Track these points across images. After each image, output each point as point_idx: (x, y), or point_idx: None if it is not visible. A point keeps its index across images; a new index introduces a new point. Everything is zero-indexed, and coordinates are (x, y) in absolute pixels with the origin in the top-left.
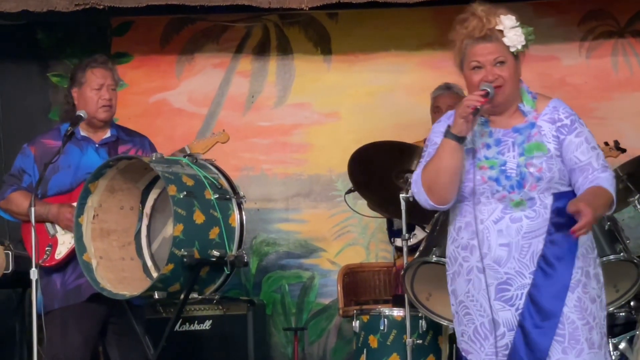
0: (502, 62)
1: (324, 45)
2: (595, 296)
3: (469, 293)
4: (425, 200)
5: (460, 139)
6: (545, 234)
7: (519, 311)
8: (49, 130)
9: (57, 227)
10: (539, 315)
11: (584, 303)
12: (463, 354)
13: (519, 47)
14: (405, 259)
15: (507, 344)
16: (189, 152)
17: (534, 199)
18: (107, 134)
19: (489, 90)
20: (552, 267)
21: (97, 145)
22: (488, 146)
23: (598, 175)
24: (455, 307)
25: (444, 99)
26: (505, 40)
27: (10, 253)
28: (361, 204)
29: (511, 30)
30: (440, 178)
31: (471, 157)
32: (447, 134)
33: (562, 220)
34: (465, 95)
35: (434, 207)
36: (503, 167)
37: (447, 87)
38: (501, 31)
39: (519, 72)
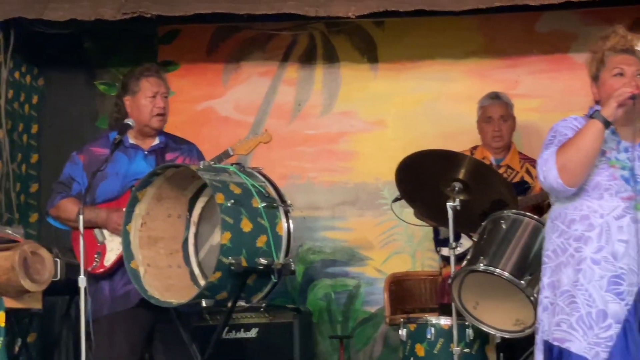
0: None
1: (370, 54)
2: None
3: (578, 282)
4: (554, 179)
5: (607, 123)
6: None
7: (628, 307)
8: (98, 139)
9: (106, 234)
10: None
11: None
12: (555, 343)
13: None
14: (452, 267)
15: (611, 336)
16: (232, 153)
17: None
18: (156, 141)
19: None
20: None
21: (145, 153)
22: (618, 151)
23: None
24: (552, 298)
25: (496, 108)
26: None
27: (59, 261)
28: (407, 212)
29: None
30: (579, 156)
31: (600, 155)
32: (596, 115)
33: None
34: (512, 104)
35: (561, 188)
36: (633, 172)
37: (496, 97)
38: (638, 51)
39: None
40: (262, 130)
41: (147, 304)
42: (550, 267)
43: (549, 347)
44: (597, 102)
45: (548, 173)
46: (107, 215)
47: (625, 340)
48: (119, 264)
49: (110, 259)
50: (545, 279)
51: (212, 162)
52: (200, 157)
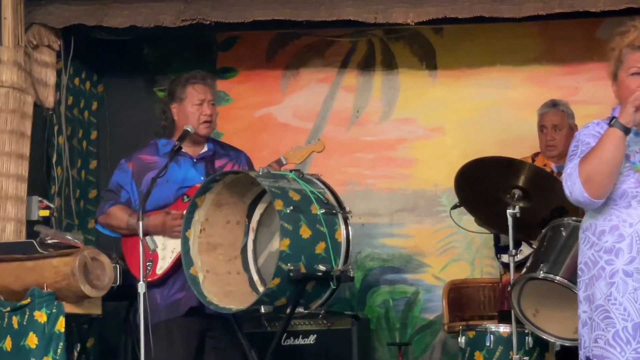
0: None
1: (429, 60)
2: None
3: (611, 296)
4: (580, 193)
5: (627, 130)
6: None
7: None
8: (145, 146)
9: (158, 242)
10: None
11: None
12: None
13: None
14: (512, 275)
15: None
16: (285, 162)
17: None
18: (204, 148)
19: None
20: None
21: (194, 160)
22: None
23: None
24: (589, 312)
25: (550, 116)
26: None
27: (118, 266)
28: (466, 219)
29: None
30: (602, 167)
31: (624, 160)
32: (614, 123)
33: None
34: (571, 113)
35: (588, 201)
36: None
37: (553, 105)
38: None
39: None
40: (317, 138)
41: (196, 313)
42: (584, 280)
43: None
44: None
45: (573, 187)
46: (164, 219)
47: None
48: (171, 271)
49: (162, 267)
50: (581, 293)
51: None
52: (249, 163)
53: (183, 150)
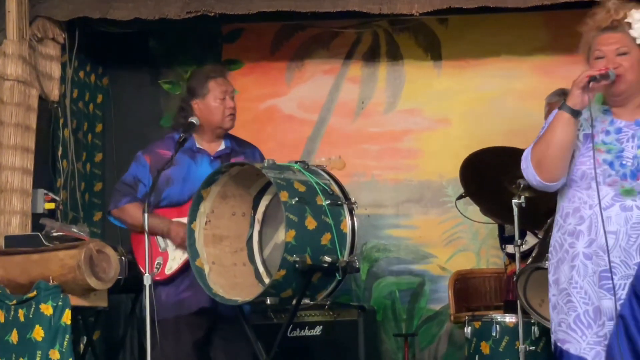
0: (624, 53)
1: (434, 51)
2: None
3: (572, 280)
4: (532, 177)
5: (575, 112)
6: None
7: (621, 301)
8: (163, 140)
9: (168, 242)
10: None
11: None
12: (559, 344)
13: None
14: (517, 265)
15: (605, 334)
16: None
17: (634, 191)
18: (222, 145)
19: (609, 72)
20: None
21: (212, 158)
22: (607, 132)
23: None
24: (557, 296)
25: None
26: (632, 32)
27: (124, 259)
28: (472, 210)
29: (639, 22)
30: (550, 151)
31: (588, 141)
32: (562, 106)
33: None
34: None
35: (541, 185)
36: (620, 154)
37: (563, 93)
38: (629, 23)
39: None
40: (337, 156)
41: (204, 312)
42: (552, 263)
43: (555, 348)
44: None
45: (527, 171)
46: (170, 227)
47: (620, 336)
48: (179, 272)
49: (172, 267)
50: (550, 277)
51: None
52: (263, 159)
53: (201, 147)
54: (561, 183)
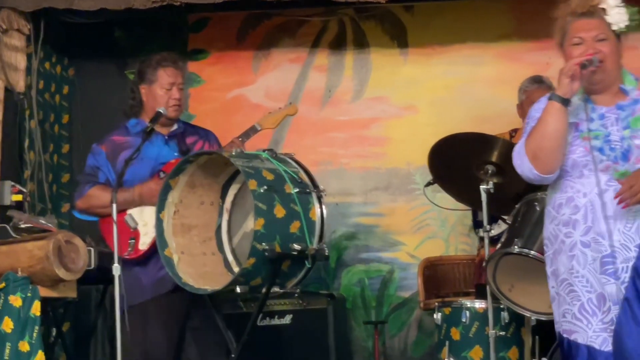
0: (603, 39)
1: (400, 39)
2: None
3: (573, 269)
4: (529, 170)
5: (565, 101)
6: None
7: (625, 285)
8: (116, 128)
9: (138, 220)
10: None
11: None
12: (565, 335)
13: (622, 26)
14: (486, 250)
15: (611, 319)
16: (259, 129)
17: (628, 173)
18: (174, 126)
19: (593, 58)
20: None
21: (166, 137)
22: (591, 120)
23: None
24: (556, 287)
25: (540, 92)
26: (608, 18)
27: (92, 250)
28: (440, 196)
29: (615, 8)
30: (546, 142)
31: (573, 130)
32: (552, 96)
33: None
34: (554, 87)
35: (538, 177)
36: (607, 139)
37: (540, 81)
38: (604, 9)
39: (620, 52)
40: (289, 102)
41: (182, 290)
42: (548, 256)
43: (561, 340)
44: None
45: (522, 166)
46: (141, 187)
47: (626, 319)
48: (154, 248)
49: (145, 242)
50: (547, 269)
51: (240, 139)
52: (217, 142)
53: (154, 129)
54: (556, 175)
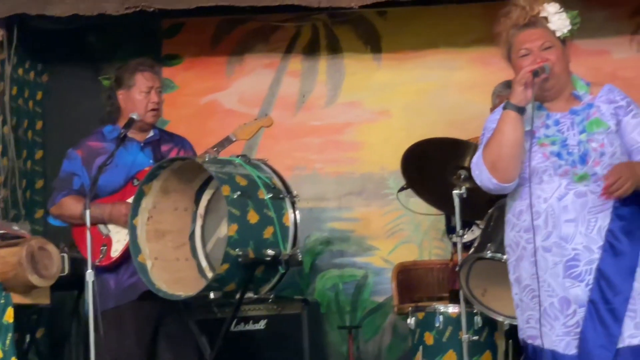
0: (549, 47)
1: (373, 44)
2: None
3: (535, 275)
4: (488, 180)
5: (520, 109)
6: (612, 208)
7: (589, 287)
8: (92, 134)
9: (110, 227)
10: (610, 290)
11: None
12: (529, 341)
13: (565, 31)
14: (459, 255)
15: (577, 322)
16: (234, 139)
17: (597, 174)
18: (150, 133)
19: (545, 65)
20: (620, 241)
21: (141, 145)
22: (547, 126)
23: None
24: (520, 294)
25: None
26: (551, 26)
27: (65, 256)
28: (414, 201)
29: (555, 15)
30: (503, 151)
31: (530, 138)
32: (507, 105)
33: (630, 195)
34: None
35: (498, 187)
36: (564, 144)
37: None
38: (545, 18)
39: (567, 57)
40: (265, 114)
41: (153, 296)
42: (511, 263)
43: (525, 345)
44: None
45: (481, 176)
46: (112, 209)
47: (592, 322)
48: (126, 255)
49: (117, 249)
50: (510, 276)
51: (215, 149)
52: (192, 149)
53: (130, 136)
54: (516, 182)
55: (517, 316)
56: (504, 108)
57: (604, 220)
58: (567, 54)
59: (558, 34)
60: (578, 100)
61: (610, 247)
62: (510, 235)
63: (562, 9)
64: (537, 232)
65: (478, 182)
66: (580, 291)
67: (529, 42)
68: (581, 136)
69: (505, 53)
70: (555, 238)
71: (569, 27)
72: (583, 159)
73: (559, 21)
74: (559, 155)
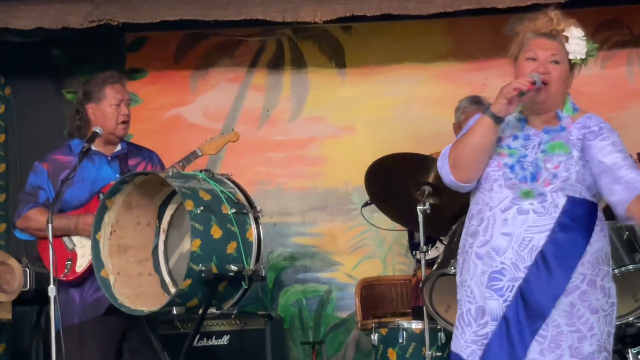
0: (557, 62)
1: (338, 59)
2: (599, 308)
3: (462, 278)
4: (447, 175)
5: (497, 119)
6: (550, 231)
7: (507, 303)
8: (59, 147)
9: (75, 241)
10: (525, 311)
11: (579, 311)
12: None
13: (578, 57)
14: (423, 271)
15: (487, 334)
16: (200, 154)
17: (545, 194)
18: (118, 147)
19: (536, 79)
20: (548, 265)
21: (109, 159)
22: (515, 137)
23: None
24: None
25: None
26: (568, 46)
27: (28, 270)
28: (378, 217)
29: (577, 39)
30: (466, 152)
31: (496, 144)
32: (486, 111)
33: (570, 223)
34: None
35: (455, 184)
36: (522, 159)
37: (479, 102)
38: (567, 37)
39: (569, 80)
40: (230, 129)
41: (117, 311)
42: (459, 265)
43: None
44: None
45: (442, 169)
46: (77, 220)
47: (500, 337)
48: (91, 270)
49: (82, 265)
50: (457, 278)
51: (181, 164)
52: (160, 163)
53: (97, 149)
54: (473, 185)
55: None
56: (483, 112)
57: (538, 241)
58: (571, 78)
59: (571, 56)
60: (558, 120)
61: (537, 269)
62: (462, 237)
63: (585, 37)
64: (477, 237)
65: (440, 172)
66: (497, 305)
67: (540, 48)
68: (539, 155)
69: (514, 52)
70: (489, 248)
71: (583, 56)
72: (534, 177)
73: (577, 46)
74: (511, 167)
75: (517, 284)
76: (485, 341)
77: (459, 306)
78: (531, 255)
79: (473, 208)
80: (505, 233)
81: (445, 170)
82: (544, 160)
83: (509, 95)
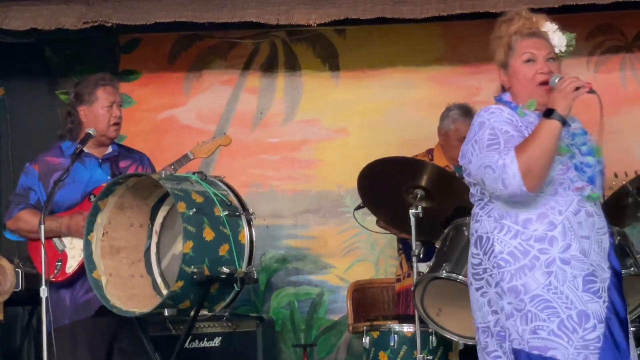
0: (553, 59)
1: (331, 62)
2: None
3: (551, 285)
4: (518, 186)
5: (565, 122)
6: (608, 233)
7: (606, 304)
8: (50, 149)
9: (66, 242)
10: (622, 310)
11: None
12: (535, 352)
13: (563, 50)
14: (414, 275)
15: (598, 337)
16: (192, 157)
17: (599, 197)
18: (109, 149)
19: (556, 78)
20: (616, 262)
21: (100, 161)
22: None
23: None
24: (516, 304)
25: (468, 126)
26: (552, 41)
27: (20, 271)
28: (370, 220)
29: (555, 32)
30: (544, 161)
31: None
32: (552, 115)
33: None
34: None
35: (525, 195)
36: (581, 162)
37: (469, 114)
38: (546, 32)
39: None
40: (223, 132)
41: (108, 312)
42: (509, 271)
43: (527, 356)
44: (504, 90)
45: (512, 180)
46: (70, 220)
47: (612, 338)
48: (81, 271)
49: (72, 266)
50: (504, 285)
51: (173, 167)
52: (151, 166)
53: (88, 151)
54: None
55: (510, 326)
56: (547, 116)
57: (606, 242)
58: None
59: (556, 50)
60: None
61: (614, 270)
62: (512, 243)
63: (558, 29)
64: (554, 243)
65: (500, 185)
66: (599, 307)
67: (535, 48)
68: (589, 158)
69: (501, 58)
70: (575, 251)
71: (565, 48)
72: (592, 180)
73: (559, 39)
74: (577, 168)
75: (606, 285)
76: (598, 344)
77: (531, 316)
78: (605, 256)
79: (527, 212)
80: (584, 236)
81: (517, 182)
82: (596, 163)
83: (574, 96)
